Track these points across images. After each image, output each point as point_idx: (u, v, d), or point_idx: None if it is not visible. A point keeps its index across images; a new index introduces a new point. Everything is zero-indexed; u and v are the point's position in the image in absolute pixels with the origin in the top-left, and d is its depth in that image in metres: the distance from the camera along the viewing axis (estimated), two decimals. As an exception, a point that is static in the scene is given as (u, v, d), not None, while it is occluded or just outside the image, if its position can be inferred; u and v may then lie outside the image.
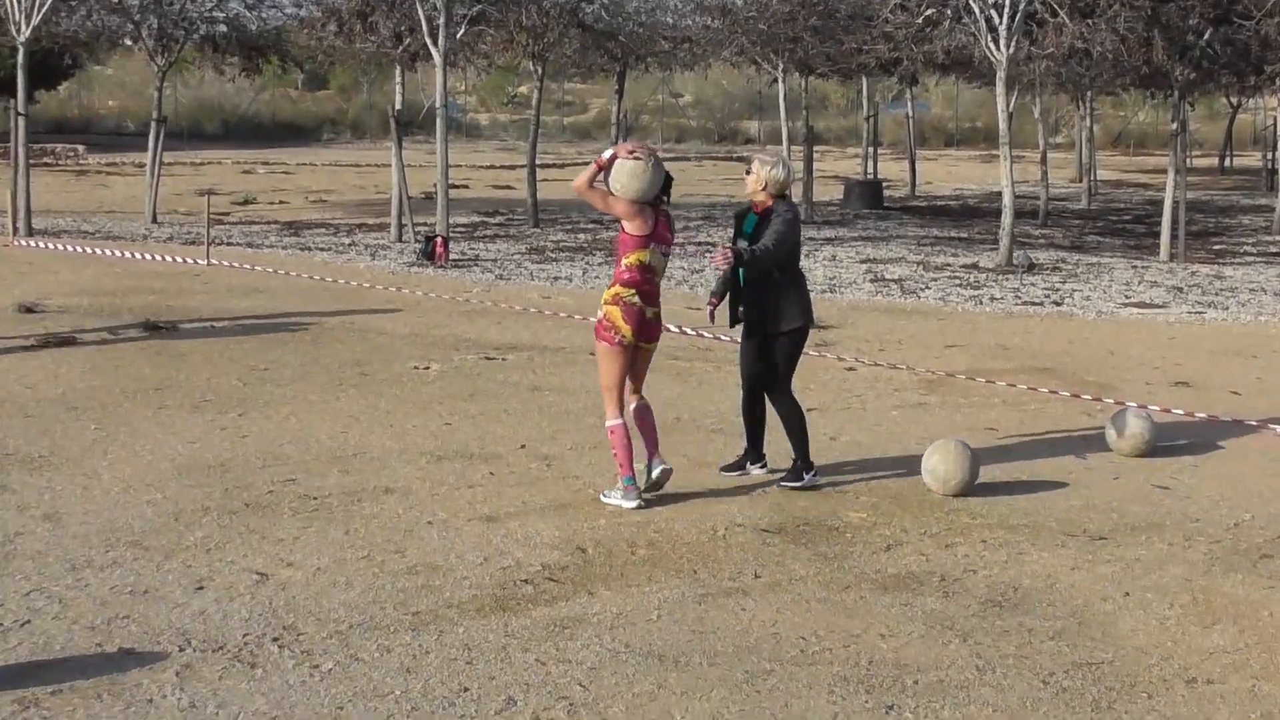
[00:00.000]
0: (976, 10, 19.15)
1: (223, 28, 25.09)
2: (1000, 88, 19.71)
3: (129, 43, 26.95)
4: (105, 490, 7.82)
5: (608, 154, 7.88)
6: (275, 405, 10.01)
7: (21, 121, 20.53)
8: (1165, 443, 9.40)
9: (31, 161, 21.78)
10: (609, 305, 7.86)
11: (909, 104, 36.23)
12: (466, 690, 5.38)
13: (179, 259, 17.95)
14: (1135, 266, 20.20)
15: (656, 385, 11.02)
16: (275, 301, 14.80)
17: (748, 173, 8.24)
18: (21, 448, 8.64)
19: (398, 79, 23.31)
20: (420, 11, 19.99)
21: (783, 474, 8.29)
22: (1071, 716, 5.30)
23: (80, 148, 40.94)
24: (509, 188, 32.16)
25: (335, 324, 13.50)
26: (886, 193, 31.40)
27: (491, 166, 39.32)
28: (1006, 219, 19.44)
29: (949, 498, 8.09)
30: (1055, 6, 19.27)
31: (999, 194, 20.45)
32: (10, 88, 22.49)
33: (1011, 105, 21.61)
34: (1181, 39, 20.45)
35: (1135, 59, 20.71)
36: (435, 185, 21.04)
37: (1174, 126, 21.81)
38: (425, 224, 21.46)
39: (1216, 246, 23.10)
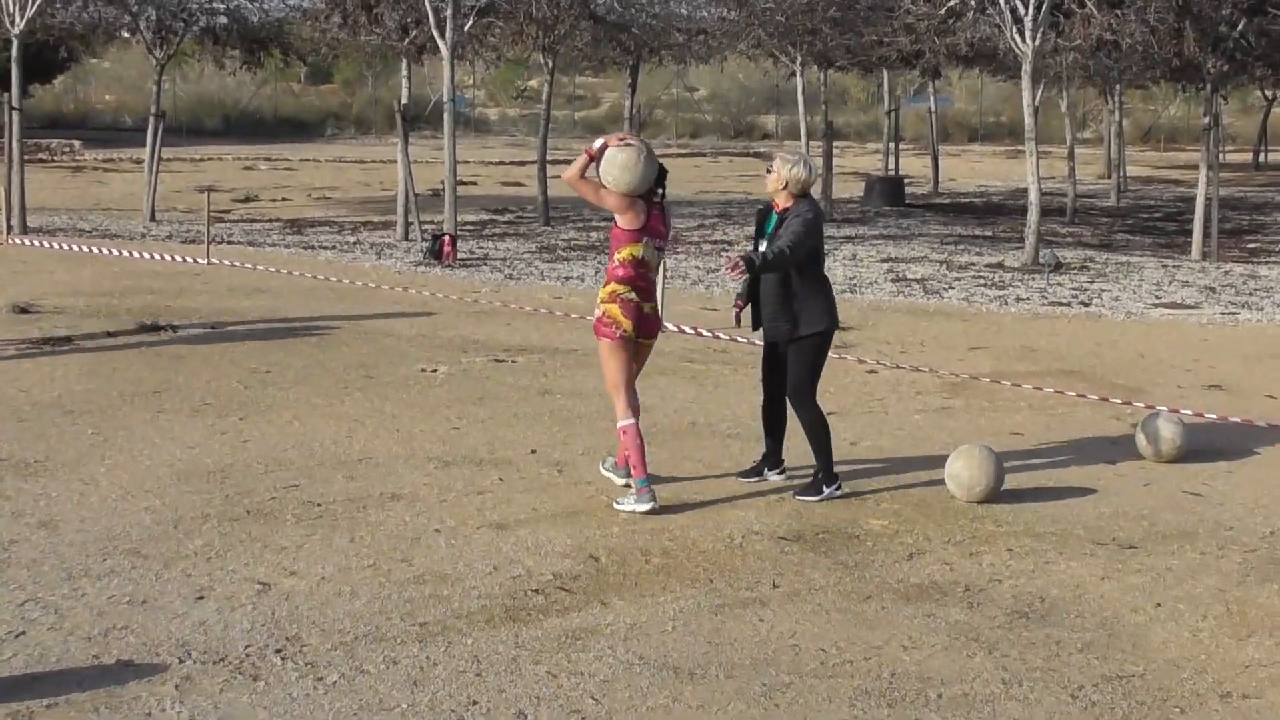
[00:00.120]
0: (1001, 1, 19.13)
1: (223, 19, 25.14)
2: (1026, 81, 19.67)
3: (126, 35, 27.00)
4: (102, 497, 7.83)
5: (598, 144, 7.89)
6: (278, 409, 10.02)
7: (16, 116, 20.59)
8: (1198, 448, 9.38)
9: (26, 157, 21.85)
10: (606, 304, 7.90)
11: (931, 98, 36.15)
12: (475, 703, 5.38)
13: (178, 258, 17.99)
14: (1166, 266, 20.16)
15: (670, 388, 11.05)
16: (278, 302, 14.82)
17: (768, 171, 8.22)
18: (16, 453, 8.66)
19: (404, 72, 23.32)
20: (427, 3, 20.01)
21: (802, 483, 8.26)
22: (1101, 732, 5.30)
23: (76, 143, 41.01)
24: (519, 184, 32.20)
25: (339, 325, 13.51)
26: (908, 190, 31.36)
27: (501, 163, 39.36)
28: (1032, 217, 19.41)
29: (973, 505, 8.08)
30: (1083, -3, 19.25)
31: (1024, 191, 20.41)
32: (4, 81, 22.52)
33: (1037, 99, 21.58)
34: (1214, 30, 20.41)
35: (1166, 51, 20.66)
36: (443, 182, 21.06)
37: (1206, 121, 21.75)
38: (432, 222, 21.49)
39: (1250, 245, 23.05)
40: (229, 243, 20.38)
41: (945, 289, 17.41)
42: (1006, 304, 16.29)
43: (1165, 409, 10.11)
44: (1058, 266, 19.28)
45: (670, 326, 13.59)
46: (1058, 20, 19.94)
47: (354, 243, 20.93)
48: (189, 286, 15.77)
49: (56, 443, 8.92)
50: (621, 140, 7.86)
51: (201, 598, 6.33)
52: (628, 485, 8.03)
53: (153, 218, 23.26)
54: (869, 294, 16.79)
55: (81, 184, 30.65)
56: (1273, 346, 13.91)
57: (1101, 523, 7.85)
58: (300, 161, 38.77)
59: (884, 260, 20.11)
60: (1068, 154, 28.33)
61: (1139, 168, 41.30)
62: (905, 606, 6.48)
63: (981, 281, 18.08)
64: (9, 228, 19.99)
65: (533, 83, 57.66)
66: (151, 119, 24.08)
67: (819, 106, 29.18)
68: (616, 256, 7.90)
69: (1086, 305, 16.32)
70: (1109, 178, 33.82)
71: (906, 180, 32.44)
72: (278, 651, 5.77)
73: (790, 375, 8.18)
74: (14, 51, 20.63)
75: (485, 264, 18.80)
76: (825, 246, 8.38)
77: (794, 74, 26.98)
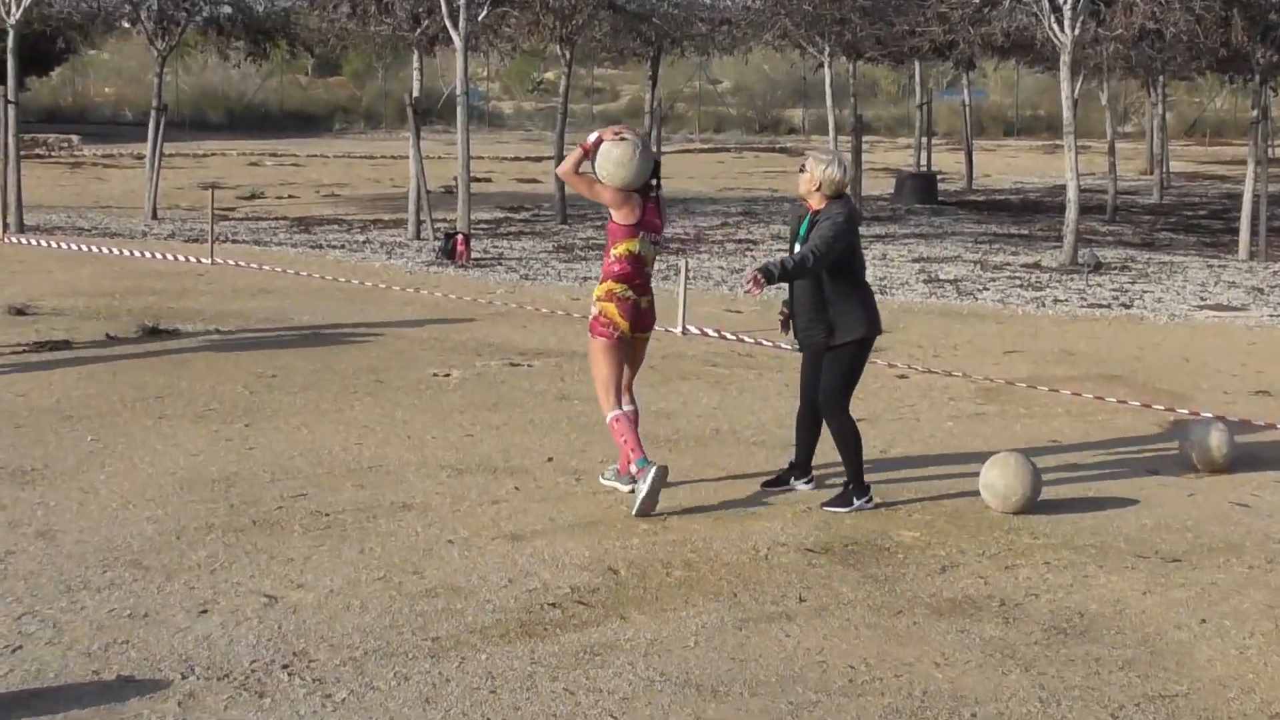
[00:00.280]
0: (1039, -12, 19.11)
1: (227, 9, 25.20)
2: (1064, 72, 19.64)
3: (127, 25, 27.08)
4: (102, 506, 7.86)
5: (593, 138, 8.05)
6: (284, 415, 10.06)
7: (11, 110, 20.68)
8: (1245, 457, 9.36)
9: (22, 153, 21.95)
10: (603, 302, 8.09)
11: (965, 90, 36.10)
12: (489, 722, 5.40)
13: (181, 258, 18.05)
14: (1211, 266, 20.11)
15: (693, 393, 11.06)
16: (284, 303, 14.87)
17: (801, 170, 8.19)
18: (13, 460, 8.70)
19: (415, 64, 23.38)
20: (439, -9, 20.06)
21: (831, 494, 8.26)
22: (1143, 753, 5.29)
23: (75, 138, 41.16)
24: (535, 181, 32.24)
25: (349, 327, 13.55)
26: (941, 186, 31.34)
27: (516, 158, 39.40)
28: (1071, 214, 19.38)
29: (1009, 516, 8.07)
30: (1125, -16, 19.23)
31: (1063, 187, 20.39)
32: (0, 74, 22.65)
33: (1077, 91, 21.55)
34: (1263, 18, 20.35)
35: (1212, 40, 20.61)
36: (456, 178, 21.09)
37: (1254, 114, 21.70)
38: (445, 220, 21.54)
39: (1300, 244, 22.99)
40: (233, 242, 20.44)
41: (980, 290, 17.39)
42: (1044, 306, 16.27)
43: (1211, 415, 10.09)
44: (1097, 267, 19.25)
45: (693, 329, 13.61)
46: (1098, 8, 19.92)
47: (363, 242, 20.98)
48: (192, 287, 15.82)
49: (55, 450, 8.96)
50: (616, 134, 8.00)
51: (205, 611, 6.36)
52: (633, 492, 8.11)
53: (154, 216, 23.34)
54: (900, 295, 16.78)
55: (80, 180, 30.77)
56: (1323, 350, 13.88)
57: (1144, 535, 7.83)
58: (307, 157, 38.87)
59: (915, 260, 20.10)
60: (1108, 149, 28.26)
61: (1183, 163, 41.20)
62: (938, 622, 6.48)
63: (1018, 282, 18.06)
64: (5, 226, 20.08)
65: (549, 75, 57.78)
66: (153, 113, 24.15)
67: (848, 99, 29.14)
68: (613, 252, 8.07)
69: (1128, 307, 16.29)
70: (1151, 174, 33.76)
71: (939, 176, 32.42)
72: (284, 667, 5.79)
73: (824, 383, 8.17)
74: (10, 42, 20.73)
75: (500, 264, 18.83)
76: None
77: (822, 65, 26.93)
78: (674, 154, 39.87)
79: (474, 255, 19.05)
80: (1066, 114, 19.77)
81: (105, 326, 13.12)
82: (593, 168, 8.01)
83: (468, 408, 10.44)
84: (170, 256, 18.12)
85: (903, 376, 12.06)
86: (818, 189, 8.07)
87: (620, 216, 8.02)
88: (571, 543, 7.42)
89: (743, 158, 43.21)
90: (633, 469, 8.04)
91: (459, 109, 20.50)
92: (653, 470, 7.85)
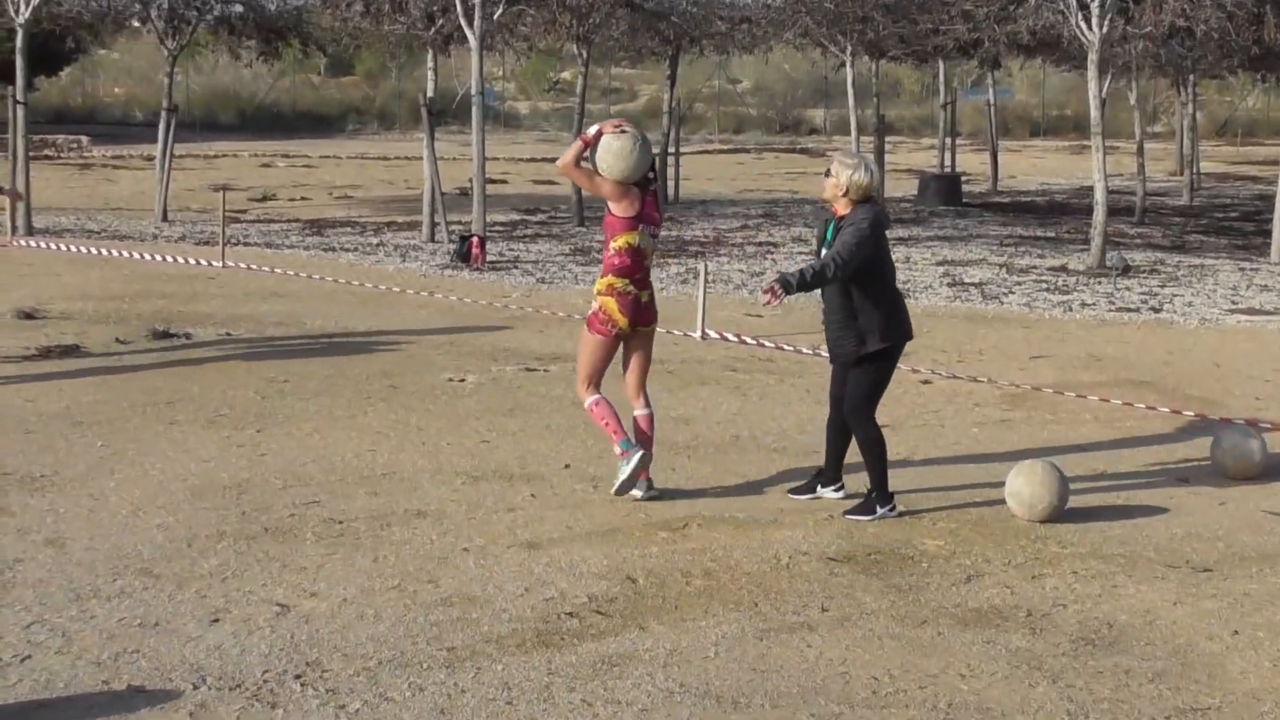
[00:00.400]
0: (1066, -14, 19.08)
1: (239, 8, 25.26)
2: (1092, 71, 19.60)
3: (137, 24, 27.18)
4: (112, 513, 7.88)
5: (593, 130, 8.25)
6: (297, 421, 10.08)
7: (20, 110, 20.74)
8: (1278, 464, 9.33)
9: (31, 154, 22.00)
10: (603, 296, 8.31)
11: (990, 90, 36.10)
12: (506, 734, 5.40)
13: (191, 260, 18.10)
14: (1243, 269, 20.06)
15: (713, 399, 11.06)
16: (297, 307, 14.90)
17: (827, 175, 8.17)
18: (22, 467, 8.72)
19: (430, 64, 23.40)
20: (454, -10, 20.09)
21: (854, 502, 8.26)
22: (1173, 767, 5.28)
23: (84, 139, 41.30)
24: (551, 183, 32.23)
25: (362, 332, 13.57)
26: (965, 188, 31.30)
27: (532, 159, 39.43)
28: (1099, 216, 19.34)
29: (1036, 524, 8.06)
30: (1154, -19, 19.19)
31: (1090, 189, 20.34)
32: (8, 74, 22.71)
33: (1104, 91, 21.50)
34: (1296, 15, 20.31)
35: (1244, 37, 20.58)
36: (471, 180, 21.12)
37: (1286, 114, 21.60)
38: (460, 222, 21.56)
39: (1334, 246, 22.90)
40: (245, 244, 20.49)
41: (1005, 294, 17.36)
42: (1071, 310, 16.24)
43: (1242, 422, 10.06)
44: (1126, 270, 19.21)
45: (712, 334, 13.60)
46: (1127, 5, 19.87)
47: (377, 244, 21.01)
48: (203, 291, 15.86)
49: (64, 456, 8.99)
50: (616, 127, 8.22)
51: (217, 620, 6.37)
52: (655, 497, 8.27)
53: (165, 218, 23.40)
54: (924, 299, 16.76)
55: (89, 182, 30.87)
56: (1358, 355, 13.83)
57: (1174, 544, 7.81)
58: (320, 158, 38.96)
59: (939, 263, 20.07)
60: (1137, 149, 28.22)
61: (1213, 164, 41.09)
62: (963, 632, 6.47)
63: (1044, 286, 18.03)
64: (13, 229, 20.15)
65: (566, 74, 57.83)
66: (163, 113, 24.22)
67: (870, 99, 29.16)
68: (612, 245, 8.26)
69: (1157, 311, 16.26)
70: (1181, 174, 33.67)
71: (963, 178, 32.38)
72: (297, 677, 5.80)
73: (850, 389, 8.16)
74: (18, 42, 20.78)
75: (516, 267, 18.85)
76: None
77: (844, 65, 26.95)
78: (693, 155, 39.86)
79: (490, 258, 19.07)
80: (1094, 114, 19.73)
81: (115, 331, 13.16)
82: (592, 161, 8.18)
83: (483, 413, 10.45)
84: (181, 259, 18.17)
85: (927, 382, 12.05)
86: (844, 194, 8.04)
87: (619, 209, 8.20)
88: (589, 551, 7.43)
89: (763, 159, 43.21)
90: (616, 450, 8.32)
91: (474, 109, 20.52)
92: (636, 455, 8.18)
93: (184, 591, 6.71)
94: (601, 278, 8.35)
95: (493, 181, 25.48)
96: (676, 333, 13.52)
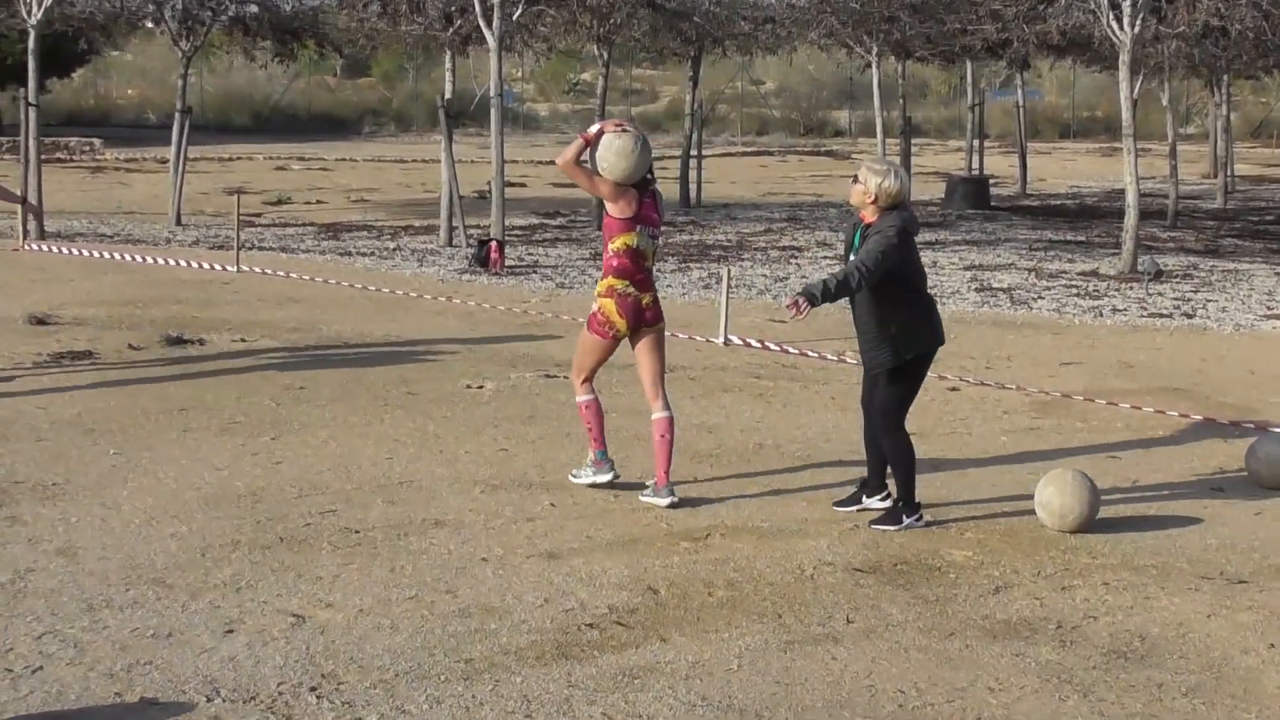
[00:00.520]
0: (1097, -15, 19.05)
1: (254, 8, 25.29)
2: (1124, 72, 19.56)
3: (150, 25, 27.27)
4: (125, 522, 7.90)
5: (594, 129, 8.32)
6: (312, 428, 10.09)
7: (32, 112, 20.82)
8: (1313, 473, 9.30)
9: (43, 157, 22.09)
10: (603, 298, 8.40)
11: (1019, 91, 36.01)
12: (525, 747, 5.41)
13: (206, 265, 18.14)
14: (1278, 274, 19.99)
15: (735, 406, 11.06)
16: (312, 313, 14.93)
17: (855, 181, 8.14)
18: (33, 475, 8.75)
19: (447, 65, 23.43)
20: (472, -10, 20.11)
21: (881, 511, 8.25)
22: (1207, 783, 5.26)
23: (97, 141, 41.40)
24: (571, 186, 32.24)
25: (379, 338, 13.59)
26: (994, 191, 31.26)
27: (551, 162, 39.41)
28: (1130, 220, 19.29)
29: (1066, 534, 8.04)
30: (1187, -20, 19.16)
31: (1121, 192, 20.30)
32: (20, 75, 22.82)
33: (1136, 92, 21.47)
34: (1333, 15, 20.25)
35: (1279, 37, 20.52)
36: (489, 183, 21.15)
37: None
38: (478, 226, 21.58)
39: (1371, 251, 22.84)
40: (260, 249, 20.53)
41: (1034, 299, 17.33)
42: (1102, 315, 16.21)
43: (1278, 430, 10.02)
44: (1158, 274, 19.16)
45: (735, 340, 13.60)
46: (1159, 4, 19.83)
47: (394, 249, 21.05)
48: (217, 296, 15.90)
49: (76, 464, 9.02)
50: (618, 125, 8.31)
51: (231, 631, 6.38)
52: (674, 505, 8.32)
53: (178, 222, 23.46)
54: (951, 304, 16.73)
55: (102, 185, 30.97)
56: (1396, 362, 13.78)
57: (1208, 555, 7.79)
58: (336, 161, 39.04)
59: (967, 268, 20.04)
60: (1169, 151, 28.13)
61: (1248, 166, 40.98)
62: (991, 645, 6.45)
63: (1074, 291, 17.99)
64: (25, 233, 20.21)
65: (586, 76, 57.86)
66: (177, 115, 24.27)
67: (896, 101, 29.14)
68: (611, 247, 8.34)
69: (1190, 317, 16.22)
70: (1215, 177, 33.57)
71: (992, 180, 32.33)
72: (312, 690, 5.81)
73: (880, 397, 8.16)
74: (30, 44, 20.86)
75: (535, 272, 18.87)
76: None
77: (869, 65, 26.94)
78: (715, 157, 39.86)
79: (508, 263, 19.09)
80: (1125, 115, 19.68)
81: (128, 337, 13.19)
82: (592, 160, 8.26)
83: (502, 421, 10.46)
84: (195, 264, 18.22)
85: (954, 389, 12.03)
86: (872, 200, 8.01)
87: (617, 210, 8.26)
88: (609, 561, 7.43)
89: (786, 161, 43.19)
90: (590, 456, 8.59)
91: (493, 111, 20.55)
92: (605, 476, 8.55)
93: (198, 602, 6.72)
94: (602, 279, 8.46)
95: (511, 185, 25.51)
96: (699, 339, 13.52)
